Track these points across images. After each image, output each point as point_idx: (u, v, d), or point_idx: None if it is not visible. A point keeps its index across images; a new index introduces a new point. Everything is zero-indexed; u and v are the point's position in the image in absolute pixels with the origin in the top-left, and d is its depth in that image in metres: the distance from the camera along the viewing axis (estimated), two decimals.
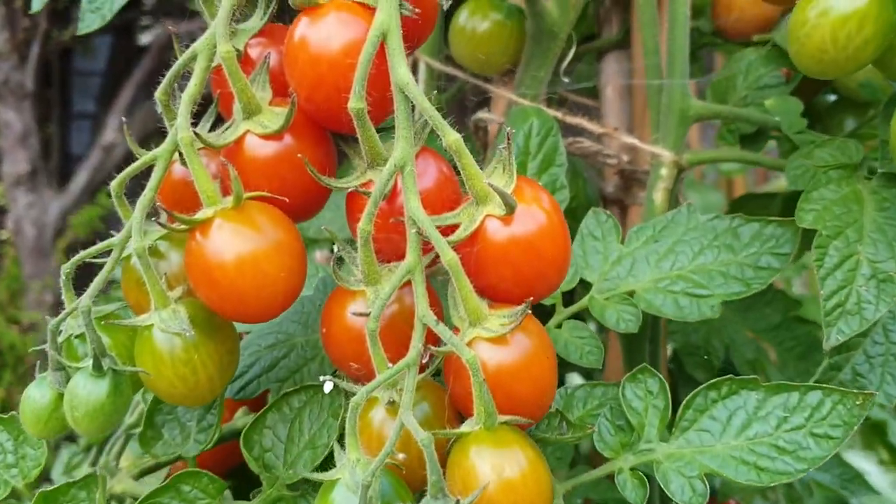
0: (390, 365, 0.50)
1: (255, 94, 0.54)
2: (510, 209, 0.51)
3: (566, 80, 0.83)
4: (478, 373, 0.48)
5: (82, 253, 0.55)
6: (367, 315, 0.51)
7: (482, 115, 0.84)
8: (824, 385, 0.57)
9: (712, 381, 0.59)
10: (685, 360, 0.92)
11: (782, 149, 0.80)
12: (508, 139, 0.53)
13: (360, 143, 0.54)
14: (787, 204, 0.84)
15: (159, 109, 0.58)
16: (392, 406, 0.51)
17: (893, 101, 0.64)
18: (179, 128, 0.53)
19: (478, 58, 0.83)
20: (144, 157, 0.55)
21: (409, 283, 0.52)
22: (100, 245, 0.55)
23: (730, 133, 0.82)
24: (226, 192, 0.54)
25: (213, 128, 0.59)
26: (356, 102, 0.51)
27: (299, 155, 0.54)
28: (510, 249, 0.52)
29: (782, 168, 0.75)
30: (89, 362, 0.52)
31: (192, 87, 0.54)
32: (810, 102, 0.84)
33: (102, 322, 0.56)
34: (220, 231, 0.52)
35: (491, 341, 0.51)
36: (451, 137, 0.51)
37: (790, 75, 0.79)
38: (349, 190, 0.55)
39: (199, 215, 0.53)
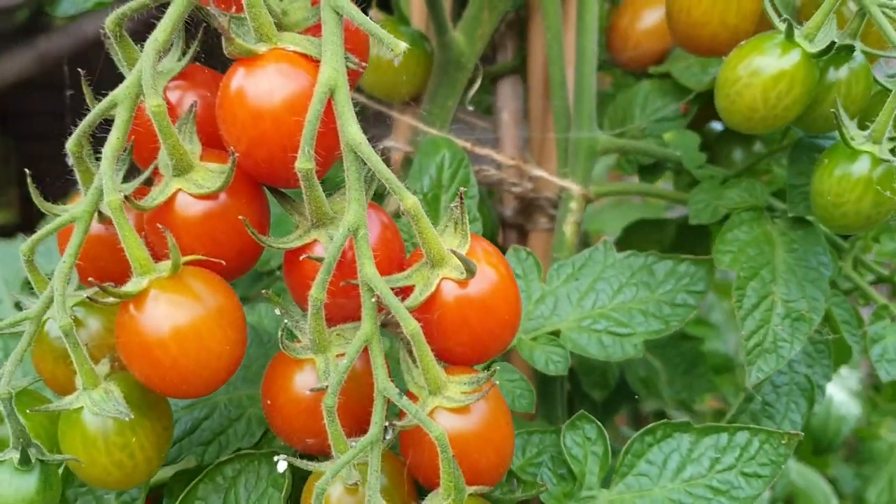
0: (351, 443, 0.48)
1: (186, 151, 0.50)
2: (470, 274, 0.50)
3: (471, 108, 0.83)
4: (447, 449, 0.47)
5: None
6: (323, 390, 0.48)
7: (388, 143, 0.82)
8: (751, 426, 0.60)
9: (648, 426, 0.60)
10: (582, 378, 0.93)
11: (680, 181, 0.82)
12: (461, 198, 0.52)
13: (306, 202, 0.51)
14: (680, 231, 0.87)
15: (70, 162, 0.53)
16: (353, 486, 0.49)
17: (800, 147, 0.67)
18: (106, 190, 0.48)
19: (383, 85, 0.81)
20: (60, 219, 0.50)
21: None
22: (12, 318, 0.49)
23: (628, 163, 0.84)
24: (154, 254, 0.50)
25: (125, 177, 0.54)
26: (304, 163, 0.49)
27: (240, 217, 0.51)
28: (468, 313, 0.51)
29: (684, 201, 0.77)
30: (13, 454, 0.47)
31: (115, 140, 0.50)
32: (699, 131, 0.87)
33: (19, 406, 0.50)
34: (157, 304, 0.48)
35: (454, 412, 0.50)
36: (410, 202, 0.49)
37: (687, 110, 0.81)
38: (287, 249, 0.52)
39: (132, 286, 0.48)
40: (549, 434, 0.62)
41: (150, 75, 0.49)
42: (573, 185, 0.76)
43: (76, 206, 0.50)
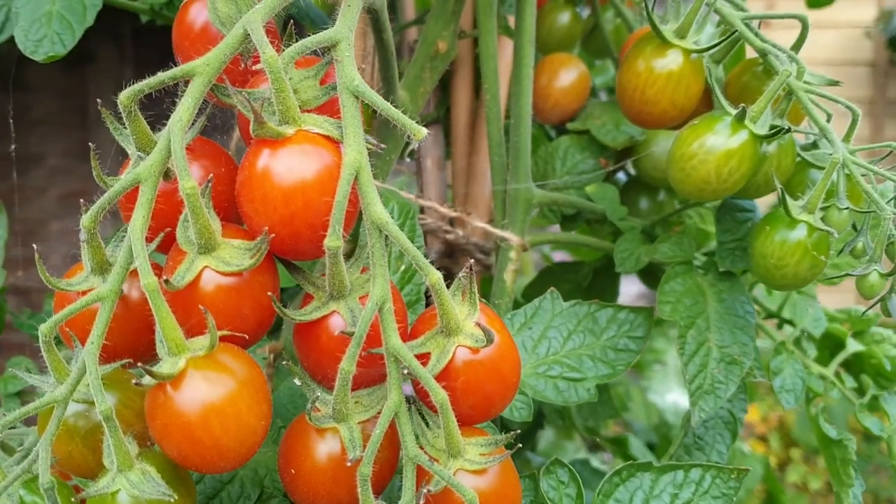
0: None
1: (215, 230, 0.51)
2: (489, 343, 0.54)
3: (409, 159, 0.86)
4: None
5: (15, 413, 0.49)
6: (354, 460, 0.51)
7: None
8: (704, 463, 0.67)
9: (616, 468, 0.66)
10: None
11: (596, 231, 0.89)
12: (470, 269, 0.56)
13: (329, 276, 0.53)
14: (597, 276, 0.95)
15: (82, 238, 0.52)
16: None
17: (724, 208, 0.75)
18: (143, 271, 0.48)
19: None
20: (86, 300, 0.50)
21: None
22: (38, 403, 0.49)
23: (551, 212, 0.90)
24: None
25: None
26: (333, 241, 0.51)
27: (269, 294, 0.52)
28: (482, 378, 0.55)
29: (609, 251, 0.84)
30: None
31: (140, 220, 0.50)
32: (608, 181, 0.95)
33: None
34: (197, 384, 0.49)
35: (476, 473, 0.53)
36: (434, 277, 0.52)
37: (606, 164, 0.89)
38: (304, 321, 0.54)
39: (169, 367, 0.49)
40: (528, 479, 0.66)
41: (182, 156, 0.50)
42: (512, 236, 0.82)
43: (104, 286, 0.50)
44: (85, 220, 0.51)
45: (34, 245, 0.52)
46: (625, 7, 0.96)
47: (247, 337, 0.53)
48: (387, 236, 0.52)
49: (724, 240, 0.75)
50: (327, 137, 0.53)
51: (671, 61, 0.67)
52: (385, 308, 0.52)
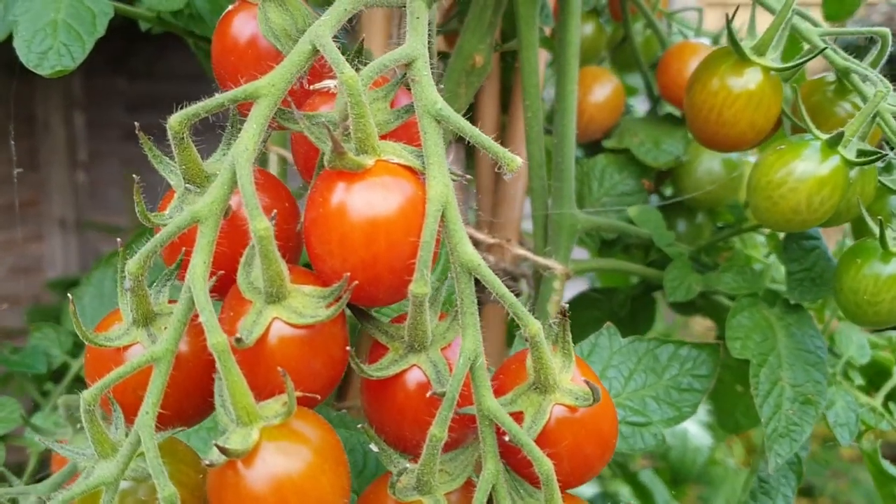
0: None
1: (287, 278, 0.44)
2: (595, 402, 0.48)
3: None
4: None
5: (60, 497, 0.41)
6: None
7: None
8: None
9: None
10: None
11: (634, 257, 0.84)
12: (564, 315, 0.50)
13: (410, 326, 0.46)
14: (635, 304, 0.89)
15: (126, 287, 0.45)
16: None
17: (790, 237, 0.70)
18: (209, 328, 0.41)
19: None
20: (138, 361, 0.42)
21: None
22: (87, 484, 0.41)
23: (589, 238, 0.85)
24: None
25: None
26: (420, 287, 0.44)
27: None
28: (581, 440, 0.49)
29: (659, 279, 0.79)
30: None
31: (201, 266, 0.43)
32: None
33: None
34: (273, 459, 0.42)
35: None
36: (534, 328, 0.46)
37: (651, 186, 0.83)
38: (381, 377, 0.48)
39: (241, 442, 0.42)
40: None
41: (253, 192, 0.43)
42: (557, 265, 0.76)
43: (159, 346, 0.42)
44: (132, 266, 0.44)
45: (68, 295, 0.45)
46: (656, 18, 0.91)
47: (319, 398, 0.46)
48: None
49: (793, 270, 0.70)
50: (408, 168, 0.46)
51: (750, 80, 0.62)
52: (478, 363, 0.46)
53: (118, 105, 3.31)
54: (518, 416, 0.48)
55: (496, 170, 0.83)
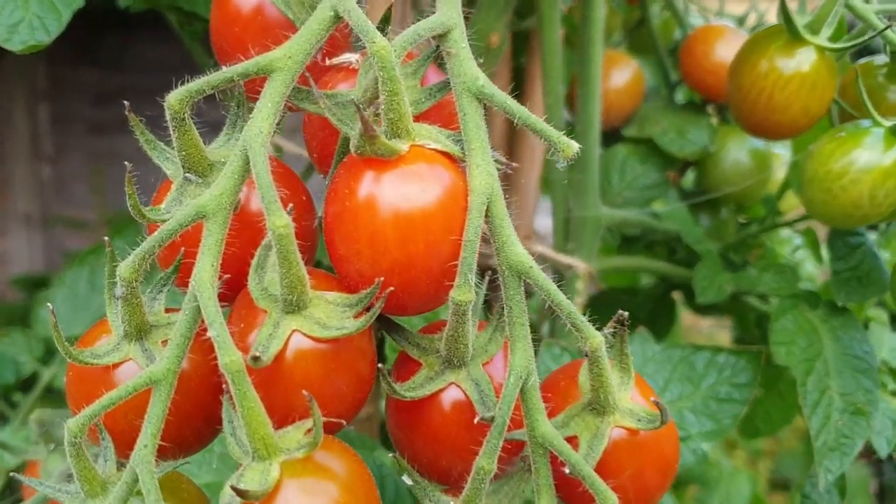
0: None
1: (308, 283, 0.38)
2: (663, 422, 0.41)
3: None
4: None
5: None
6: None
7: None
8: None
9: None
10: None
11: (657, 254, 0.78)
12: (622, 324, 0.43)
13: (450, 338, 0.40)
14: (657, 304, 0.83)
15: (117, 294, 0.38)
16: None
17: (836, 235, 0.65)
18: (222, 346, 0.34)
19: None
20: (135, 382, 0.35)
21: None
22: None
23: (610, 234, 0.79)
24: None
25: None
26: (463, 293, 0.38)
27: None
28: (643, 466, 0.43)
29: (688, 279, 0.73)
30: None
31: (208, 269, 0.36)
32: None
33: None
34: (298, 500, 0.35)
35: None
36: (596, 341, 0.40)
37: (677, 179, 0.77)
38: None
39: (258, 480, 0.35)
40: None
41: (270, 183, 0.36)
42: (579, 263, 0.69)
43: (158, 365, 0.36)
44: (125, 269, 0.37)
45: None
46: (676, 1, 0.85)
47: (344, 423, 0.39)
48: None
49: (839, 269, 0.64)
50: (446, 155, 0.40)
51: (804, 61, 0.56)
52: (530, 383, 0.39)
53: (84, 97, 3.20)
54: (571, 441, 0.42)
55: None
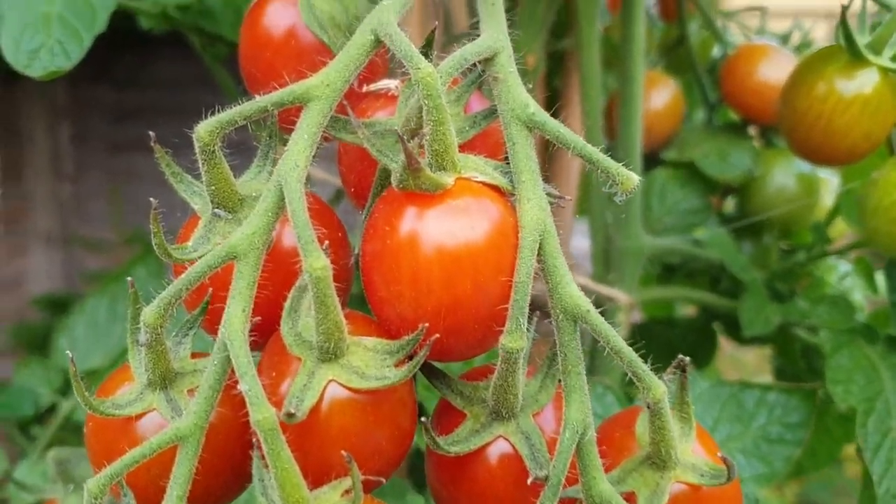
0: None
1: (346, 329, 0.35)
2: (729, 478, 0.38)
3: None
4: None
5: None
6: None
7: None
8: None
9: None
10: None
11: (698, 283, 0.75)
12: (682, 369, 0.40)
13: (499, 388, 0.37)
14: (699, 335, 0.80)
15: (140, 341, 0.35)
16: None
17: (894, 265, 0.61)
18: (254, 402, 0.31)
19: None
20: (160, 438, 0.33)
21: None
22: None
23: (650, 262, 0.75)
24: None
25: None
26: (515, 340, 0.35)
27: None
28: None
29: (732, 309, 0.70)
30: None
31: (239, 316, 0.33)
32: None
33: None
34: None
35: None
36: (659, 392, 0.37)
37: (719, 205, 0.74)
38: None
39: None
40: None
41: (307, 222, 0.33)
42: (620, 295, 0.66)
43: (183, 420, 0.33)
44: (149, 315, 0.34)
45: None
46: (715, 18, 0.82)
47: (383, 480, 0.36)
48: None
49: None
50: (494, 188, 0.37)
51: (866, 83, 0.53)
52: (587, 438, 0.36)
53: (104, 115, 3.20)
54: (629, 498, 0.39)
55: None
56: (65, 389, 0.83)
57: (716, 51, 0.86)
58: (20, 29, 0.54)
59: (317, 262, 0.32)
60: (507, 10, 0.55)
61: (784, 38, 0.84)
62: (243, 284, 0.34)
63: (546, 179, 0.69)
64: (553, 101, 0.77)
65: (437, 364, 0.40)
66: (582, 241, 0.87)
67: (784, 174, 0.76)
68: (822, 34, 0.96)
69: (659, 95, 0.79)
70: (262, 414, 0.31)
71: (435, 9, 0.71)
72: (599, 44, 0.66)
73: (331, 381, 0.34)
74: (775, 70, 0.76)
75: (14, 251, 3.28)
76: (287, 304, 0.36)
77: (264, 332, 0.37)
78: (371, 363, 0.35)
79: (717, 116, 0.84)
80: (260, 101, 0.35)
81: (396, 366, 0.35)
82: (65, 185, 3.30)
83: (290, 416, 0.32)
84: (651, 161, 0.78)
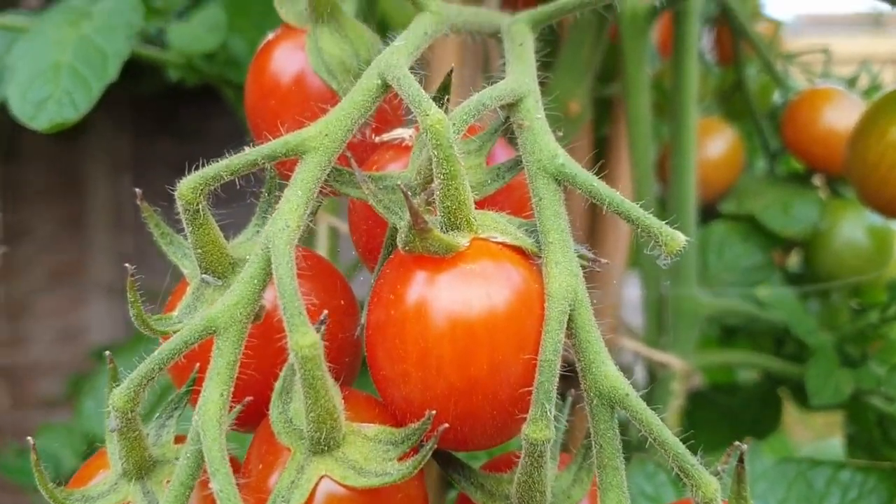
0: None
1: (340, 414, 0.30)
2: None
3: None
4: None
5: None
6: None
7: None
8: None
9: None
10: None
11: (775, 347, 0.68)
12: (741, 458, 0.34)
13: (524, 483, 0.32)
14: (762, 404, 0.73)
15: (110, 427, 0.31)
16: None
17: None
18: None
19: None
20: None
21: None
22: None
23: (708, 323, 0.69)
24: None
25: None
26: (539, 430, 0.30)
27: None
28: None
29: (800, 376, 0.63)
30: None
31: (216, 401, 0.29)
32: None
33: None
34: None
35: None
36: (710, 489, 0.31)
37: (782, 261, 0.68)
38: None
39: None
40: None
41: (296, 294, 0.28)
42: (675, 360, 0.60)
43: None
44: (117, 398, 0.30)
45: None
46: (775, 61, 0.77)
47: None
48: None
49: None
50: (517, 250, 0.32)
51: None
52: None
53: (165, 168, 3.24)
54: None
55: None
56: (89, 454, 0.79)
57: (777, 96, 0.80)
58: (29, 79, 0.51)
59: (304, 339, 0.28)
60: (547, 53, 0.51)
61: (851, 82, 0.79)
62: (222, 363, 0.29)
63: (592, 239, 0.62)
64: (601, 152, 0.72)
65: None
66: (632, 292, 0.81)
67: (853, 227, 0.69)
68: (890, 77, 0.90)
69: (715, 144, 0.74)
70: None
71: (474, 51, 0.67)
72: (649, 89, 0.61)
73: (323, 476, 0.30)
74: (842, 115, 0.70)
75: (76, 302, 3.32)
76: (277, 385, 0.31)
77: (258, 417, 0.33)
78: (371, 456, 0.30)
79: (778, 166, 0.78)
80: (250, 153, 0.31)
81: (401, 459, 0.30)
82: (126, 236, 3.34)
83: None
84: (708, 214, 0.73)
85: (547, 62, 0.42)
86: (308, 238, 0.66)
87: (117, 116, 3.31)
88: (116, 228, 3.29)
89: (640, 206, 0.49)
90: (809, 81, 0.80)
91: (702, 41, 0.83)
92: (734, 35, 0.78)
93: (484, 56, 0.65)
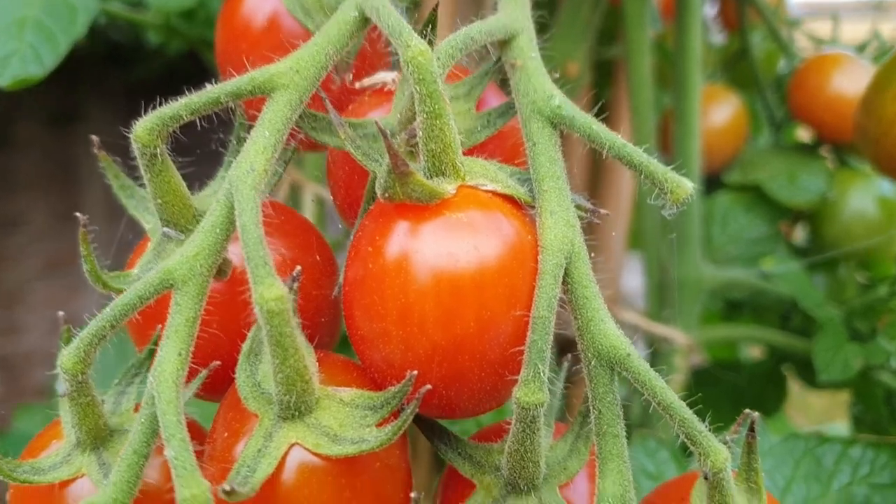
0: None
1: (312, 376, 0.27)
2: None
3: None
4: None
5: None
6: None
7: None
8: None
9: None
10: None
11: (781, 322, 0.65)
12: (752, 429, 0.32)
13: (512, 452, 0.29)
14: (767, 381, 0.70)
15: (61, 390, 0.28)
16: None
17: None
18: (179, 477, 0.24)
19: None
20: None
21: None
22: None
23: (711, 298, 0.67)
24: None
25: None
26: (532, 393, 0.27)
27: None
28: None
29: (806, 352, 0.60)
30: None
31: (175, 363, 0.26)
32: None
33: None
34: None
35: None
36: (720, 459, 0.28)
37: (789, 232, 0.65)
38: None
39: None
40: None
41: (260, 242, 0.26)
42: (677, 335, 0.58)
43: (99, 496, 0.25)
44: (65, 359, 0.27)
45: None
46: (780, 28, 0.74)
47: None
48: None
49: None
50: (508, 199, 0.29)
51: None
52: None
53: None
54: None
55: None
56: None
57: (782, 65, 0.77)
58: None
59: (269, 292, 0.25)
60: (545, 12, 0.47)
61: (860, 48, 0.75)
62: (181, 320, 0.26)
63: (592, 190, 0.59)
64: (602, 115, 0.69)
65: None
66: (634, 280, 0.79)
67: (862, 197, 0.66)
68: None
69: (719, 111, 0.71)
70: (190, 490, 0.24)
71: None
72: (651, 53, 0.58)
73: (294, 445, 0.27)
74: (851, 82, 0.67)
75: (70, 291, 3.29)
76: (245, 346, 0.29)
77: (228, 381, 0.30)
78: (347, 421, 0.28)
79: (784, 135, 0.75)
80: (212, 90, 0.28)
81: (380, 424, 0.27)
82: (121, 225, 3.31)
83: (229, 493, 0.24)
84: (712, 184, 0.70)
85: (544, 24, 0.39)
86: (293, 204, 0.63)
87: (112, 105, 3.29)
88: (111, 218, 3.26)
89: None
90: (817, 47, 0.77)
91: (705, 6, 0.80)
92: (739, 0, 0.75)
93: (477, 6, 0.62)
